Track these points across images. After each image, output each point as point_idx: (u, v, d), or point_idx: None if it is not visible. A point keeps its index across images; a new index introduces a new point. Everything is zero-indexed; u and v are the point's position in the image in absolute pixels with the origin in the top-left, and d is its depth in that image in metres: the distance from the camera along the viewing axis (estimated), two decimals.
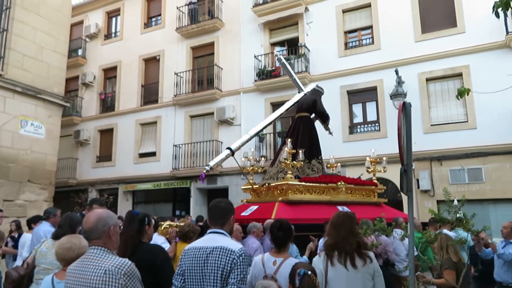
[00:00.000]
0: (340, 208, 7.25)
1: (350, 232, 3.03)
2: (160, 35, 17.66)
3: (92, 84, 18.82)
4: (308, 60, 14.01)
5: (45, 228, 5.46)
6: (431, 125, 11.95)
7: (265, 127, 8.95)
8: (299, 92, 9.33)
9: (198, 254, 2.63)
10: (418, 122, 12.00)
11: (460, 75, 11.79)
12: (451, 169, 11.39)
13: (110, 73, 18.96)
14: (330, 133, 9.88)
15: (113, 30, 19.60)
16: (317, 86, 9.38)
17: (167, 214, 14.45)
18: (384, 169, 8.91)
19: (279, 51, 14.91)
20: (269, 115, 14.32)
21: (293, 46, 14.60)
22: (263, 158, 9.66)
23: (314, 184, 7.48)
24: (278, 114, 8.91)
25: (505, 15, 11.03)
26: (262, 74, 14.57)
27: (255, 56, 14.79)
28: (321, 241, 5.22)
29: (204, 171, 7.44)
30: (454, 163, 11.38)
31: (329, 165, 9.08)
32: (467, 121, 11.51)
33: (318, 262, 2.97)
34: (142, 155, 16.95)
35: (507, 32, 11.08)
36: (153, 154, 16.63)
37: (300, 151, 7.52)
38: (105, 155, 17.88)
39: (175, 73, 16.35)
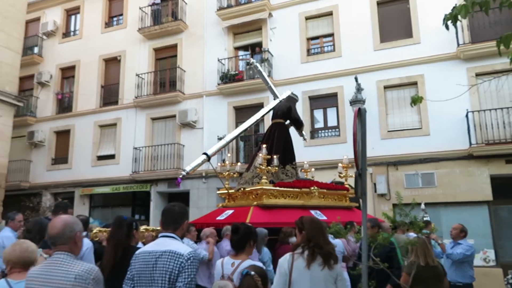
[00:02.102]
0: (313, 212, 7.43)
1: (322, 235, 3.09)
2: (122, 35, 17.28)
3: (49, 83, 18.11)
4: (271, 65, 14.15)
5: (5, 234, 5.13)
6: (388, 131, 12.38)
7: (242, 132, 9.09)
8: (274, 99, 9.56)
9: (148, 258, 2.61)
10: (376, 128, 12.42)
11: (415, 83, 12.31)
12: (406, 173, 11.84)
13: (68, 73, 18.33)
14: (304, 139, 10.13)
15: (72, 29, 18.98)
16: (292, 93, 9.59)
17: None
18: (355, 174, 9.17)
19: (243, 55, 15.01)
20: (232, 119, 14.53)
21: (257, 51, 14.70)
22: (238, 163, 9.74)
23: (288, 189, 7.66)
24: (255, 120, 9.09)
25: (456, 29, 11.67)
26: (226, 78, 14.57)
27: (218, 60, 14.77)
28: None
29: (180, 176, 7.56)
30: (409, 168, 11.84)
31: (303, 170, 9.31)
32: (421, 128, 12.02)
33: (283, 262, 2.99)
34: (101, 158, 16.46)
35: (458, 44, 11.69)
36: (112, 156, 16.19)
37: (275, 157, 7.66)
38: (61, 158, 17.22)
39: (136, 75, 16.03)
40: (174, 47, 16.26)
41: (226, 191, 8.24)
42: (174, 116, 15.28)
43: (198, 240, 6.34)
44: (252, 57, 14.37)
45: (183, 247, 2.63)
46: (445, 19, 4.35)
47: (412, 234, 7.23)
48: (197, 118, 14.89)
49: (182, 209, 2.88)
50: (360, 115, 3.52)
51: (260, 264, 3.18)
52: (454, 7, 4.29)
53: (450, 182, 11.33)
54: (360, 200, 3.47)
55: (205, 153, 7.75)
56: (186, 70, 15.61)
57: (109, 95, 17.04)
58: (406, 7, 12.93)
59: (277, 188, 7.52)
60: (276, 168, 7.76)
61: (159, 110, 15.69)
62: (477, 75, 11.49)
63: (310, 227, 3.05)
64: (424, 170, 11.66)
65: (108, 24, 18.14)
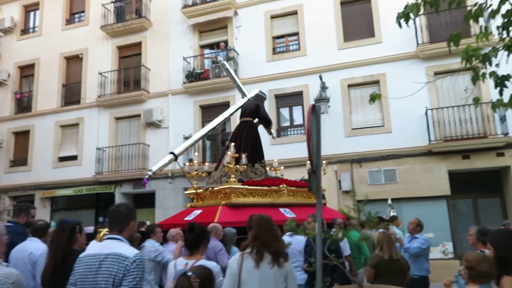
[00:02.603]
0: (282, 210, 7.49)
1: (277, 232, 3.07)
2: (84, 33, 16.77)
3: (6, 82, 17.35)
4: (237, 64, 14.10)
5: None
6: (352, 129, 12.60)
7: (209, 131, 9.02)
8: (242, 97, 9.54)
9: (91, 261, 2.50)
10: (340, 126, 12.62)
11: (377, 82, 12.58)
12: (370, 170, 12.09)
13: (27, 71, 17.61)
14: (273, 137, 10.16)
15: (31, 25, 18.27)
16: (260, 91, 9.62)
17: (89, 221, 13.75)
18: (324, 172, 9.28)
19: (208, 54, 14.89)
20: (198, 118, 14.39)
21: (221, 47, 14.59)
22: (207, 163, 9.66)
23: (257, 187, 7.68)
24: (223, 119, 9.07)
25: (415, 29, 12.04)
26: (191, 77, 14.40)
27: (184, 58, 14.59)
28: None
29: (147, 176, 7.53)
30: (372, 165, 12.10)
31: (272, 169, 9.33)
32: (383, 126, 12.30)
33: (233, 262, 2.96)
34: (62, 159, 15.92)
35: (418, 44, 12.03)
36: (74, 158, 15.69)
37: (243, 155, 7.65)
38: (20, 159, 16.53)
39: (99, 73, 15.60)
40: (138, 45, 15.93)
41: (194, 191, 8.17)
42: (138, 115, 14.97)
43: (164, 241, 6.23)
44: (216, 53, 14.30)
45: (128, 249, 2.53)
46: (398, 17, 4.45)
47: (380, 230, 7.44)
48: (162, 118, 14.65)
49: (129, 209, 2.78)
50: (315, 112, 3.54)
51: (212, 265, 3.15)
52: (406, 6, 4.40)
53: (411, 178, 11.65)
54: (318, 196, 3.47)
55: (172, 153, 7.67)
56: (151, 69, 15.33)
57: (71, 94, 16.49)
58: (368, 7, 13.20)
59: (246, 186, 7.53)
60: (245, 166, 7.77)
61: (123, 110, 15.34)
62: (435, 73, 11.86)
63: (257, 225, 3.02)
64: (387, 166, 11.95)
65: (69, 21, 17.56)
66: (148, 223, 8.62)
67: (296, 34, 14.00)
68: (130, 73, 15.88)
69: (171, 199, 13.97)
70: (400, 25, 4.45)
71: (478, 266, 2.81)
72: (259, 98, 9.48)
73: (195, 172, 8.53)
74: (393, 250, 4.75)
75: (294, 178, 9.37)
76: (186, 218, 7.39)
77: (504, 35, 4.87)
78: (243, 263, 2.87)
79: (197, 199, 8.25)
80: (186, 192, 8.75)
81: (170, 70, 14.98)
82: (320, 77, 12.51)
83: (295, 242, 4.74)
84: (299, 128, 13.46)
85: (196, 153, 11.75)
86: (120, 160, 14.77)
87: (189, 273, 2.29)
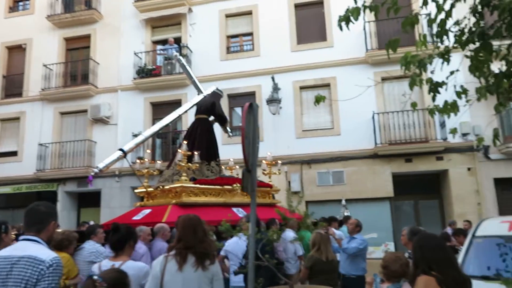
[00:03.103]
0: (235, 210, 7.41)
1: (204, 234, 2.99)
2: (28, 22, 15.86)
3: None
4: (190, 61, 13.87)
5: None
6: (303, 130, 12.77)
7: (161, 128, 8.79)
8: (198, 94, 9.39)
9: (2, 264, 2.26)
10: (291, 127, 12.76)
11: (328, 85, 12.84)
12: (319, 171, 12.31)
13: None
14: (229, 135, 10.05)
15: None
16: (217, 89, 9.52)
17: None
18: (279, 172, 9.45)
19: (160, 50, 14.57)
20: (149, 115, 14.03)
21: (169, 42, 14.29)
22: (159, 161, 9.42)
23: (209, 187, 7.56)
24: (176, 115, 8.89)
25: (365, 35, 12.42)
26: (142, 72, 14.01)
27: (135, 53, 14.17)
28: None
29: (92, 174, 7.25)
30: (321, 166, 12.32)
31: (228, 168, 9.24)
32: (333, 128, 12.57)
33: (156, 264, 2.85)
34: (1, 155, 14.95)
35: (367, 50, 12.41)
36: (13, 153, 14.78)
37: (196, 153, 7.52)
38: None
39: (44, 65, 14.81)
40: (87, 37, 15.29)
41: (144, 190, 7.96)
42: (85, 111, 14.35)
43: (105, 242, 5.99)
44: (165, 49, 14.03)
45: (45, 252, 2.33)
46: (339, 20, 4.51)
47: (333, 229, 7.54)
48: (110, 114, 14.13)
49: (50, 208, 2.59)
50: (252, 111, 3.50)
51: (139, 266, 3.03)
52: (347, 9, 4.47)
53: (358, 180, 11.99)
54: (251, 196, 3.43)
55: (121, 149, 7.41)
56: (100, 63, 14.76)
57: (12, 86, 15.55)
58: (321, 12, 13.44)
59: (198, 185, 7.41)
60: (197, 165, 7.63)
61: (69, 104, 14.65)
62: (383, 79, 12.28)
63: (181, 226, 2.94)
64: (335, 168, 12.21)
65: (13, 8, 16.57)
66: (91, 223, 8.28)
67: (251, 34, 14.01)
68: (77, 66, 15.23)
69: (117, 198, 13.50)
70: (341, 28, 4.52)
71: (390, 266, 2.89)
72: (216, 95, 9.39)
73: (146, 170, 8.30)
74: (330, 251, 4.85)
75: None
76: (134, 218, 7.21)
77: (439, 44, 5.10)
78: (166, 266, 2.76)
79: (147, 198, 8.06)
80: (136, 190, 8.50)
81: (120, 65, 14.49)
82: (273, 78, 12.59)
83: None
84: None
85: (148, 151, 11.46)
86: (64, 157, 14.08)
87: (95, 277, 2.15)
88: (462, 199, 11.31)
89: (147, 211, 7.46)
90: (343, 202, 10.83)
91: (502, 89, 5.41)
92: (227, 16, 14.20)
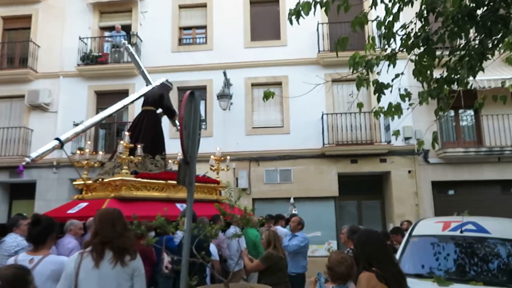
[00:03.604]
0: (178, 205, 7.22)
1: (124, 228, 2.78)
2: None
3: None
4: (140, 51, 13.34)
5: None
6: (253, 127, 12.70)
7: (104, 118, 8.28)
8: (146, 85, 9.03)
9: None
10: (242, 124, 12.65)
11: (280, 83, 12.85)
12: (267, 169, 12.30)
13: None
14: (178, 129, 9.70)
15: None
16: (166, 80, 9.18)
17: None
18: (227, 168, 9.34)
19: (107, 36, 13.89)
20: (92, 104, 13.33)
21: (116, 29, 13.67)
22: (100, 152, 8.92)
23: (152, 181, 7.29)
24: (121, 106, 8.46)
25: (318, 36, 12.56)
26: (87, 59, 13.28)
27: (80, 38, 13.39)
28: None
29: (23, 163, 6.65)
30: (269, 164, 12.31)
31: (176, 162, 9.02)
32: (282, 126, 12.61)
33: (70, 262, 2.61)
34: None
35: (319, 51, 12.56)
36: None
37: (139, 146, 7.22)
38: None
39: None
40: (27, 18, 14.24)
41: (83, 182, 7.52)
42: (22, 96, 13.35)
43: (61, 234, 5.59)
44: (112, 36, 13.41)
45: None
46: (290, 14, 4.45)
47: (279, 227, 7.51)
48: (50, 101, 13.26)
49: None
50: (194, 100, 3.31)
51: (58, 261, 2.76)
52: (297, 3, 4.41)
53: (305, 179, 12.11)
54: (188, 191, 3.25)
55: (57, 139, 6.90)
56: (41, 46, 13.80)
57: None
58: (276, 10, 13.43)
59: (139, 179, 7.13)
60: (139, 158, 7.33)
61: (4, 88, 13.56)
62: (333, 81, 12.46)
63: (98, 220, 2.74)
64: (283, 166, 12.26)
65: None
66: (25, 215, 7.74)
67: (204, 27, 13.72)
68: (15, 48, 14.14)
69: (54, 191, 12.70)
70: (291, 22, 4.45)
71: (335, 267, 2.85)
72: (165, 87, 9.09)
73: (86, 162, 7.85)
74: (282, 249, 4.85)
75: (197, 173, 9.15)
76: (70, 211, 6.86)
77: (386, 46, 5.19)
78: (81, 263, 2.53)
79: (86, 191, 7.65)
80: (75, 183, 8.04)
81: (64, 50, 13.64)
82: (224, 73, 12.41)
83: None
84: (200, 123, 13.16)
85: (89, 142, 10.90)
86: None
87: None
88: (402, 200, 11.77)
89: (84, 204, 7.11)
90: (292, 200, 10.88)
91: (443, 94, 5.62)
92: (181, 7, 13.81)
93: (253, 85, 12.99)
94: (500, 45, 6.03)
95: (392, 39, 4.95)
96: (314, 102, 12.27)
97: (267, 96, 6.03)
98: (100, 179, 7.50)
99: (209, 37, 13.49)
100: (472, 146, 11.93)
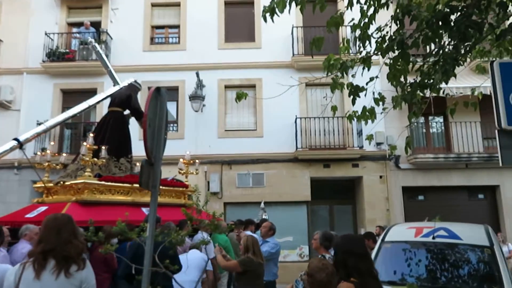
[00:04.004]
0: (144, 210, 6.96)
1: (73, 235, 2.52)
2: None
3: None
4: (110, 49, 12.91)
5: None
6: (226, 130, 12.48)
7: (67, 119, 7.89)
8: (114, 85, 8.73)
9: None
10: (214, 126, 12.42)
11: (254, 86, 12.70)
12: (239, 173, 12.10)
13: None
14: None
15: None
16: (135, 81, 8.88)
17: None
18: (196, 171, 9.14)
19: (75, 33, 13.39)
20: (58, 103, 12.78)
21: (86, 26, 13.20)
22: (63, 154, 8.50)
23: (116, 184, 7.00)
24: (86, 106, 8.08)
25: (292, 40, 12.52)
26: (53, 56, 12.72)
27: (46, 34, 12.82)
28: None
29: None
30: (241, 168, 12.12)
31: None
32: (256, 130, 12.45)
33: (10, 274, 2.34)
34: None
35: (293, 54, 12.50)
36: None
37: (103, 148, 6.91)
38: None
39: None
40: None
41: (43, 185, 7.11)
42: None
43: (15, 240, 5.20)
44: (81, 33, 12.93)
45: None
46: (264, 11, 4.30)
47: (249, 232, 7.31)
48: (13, 98, 12.61)
49: None
50: (160, 96, 3.09)
51: (2, 268, 2.48)
52: (272, 1, 4.26)
53: (277, 183, 11.98)
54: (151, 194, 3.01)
55: (16, 139, 6.52)
56: (4, 41, 13.13)
57: None
58: (251, 12, 13.30)
59: (103, 182, 6.82)
60: (104, 160, 7.01)
61: None
62: (307, 85, 12.41)
63: (43, 226, 2.51)
64: (255, 170, 12.09)
65: None
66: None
67: (177, 27, 13.43)
68: None
69: (15, 193, 12.06)
70: (265, 19, 4.30)
71: (316, 275, 2.70)
72: (133, 88, 8.79)
73: (47, 164, 7.45)
74: (261, 255, 4.67)
75: (165, 177, 8.90)
76: (28, 216, 6.48)
77: (362, 49, 5.11)
78: (22, 274, 2.27)
79: (47, 194, 7.23)
80: (35, 185, 7.65)
81: (29, 46, 13.03)
82: (197, 74, 12.16)
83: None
84: (171, 125, 12.85)
85: (52, 142, 10.44)
86: None
87: None
88: (373, 205, 11.82)
89: (43, 208, 6.72)
90: (262, 205, 10.72)
91: (416, 99, 5.60)
92: (153, 5, 13.47)
93: (226, 87, 12.78)
94: (471, 53, 6.10)
95: (367, 42, 4.88)
96: (287, 106, 12.21)
97: (239, 97, 5.87)
98: (61, 182, 7.14)
99: (182, 37, 13.21)
100: (441, 152, 12.14)
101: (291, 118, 12.13)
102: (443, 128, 12.74)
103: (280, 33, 12.78)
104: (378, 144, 12.11)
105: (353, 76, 5.07)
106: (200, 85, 12.26)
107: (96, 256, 5.15)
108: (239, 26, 13.29)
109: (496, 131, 3.24)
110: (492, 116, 11.60)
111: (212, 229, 3.34)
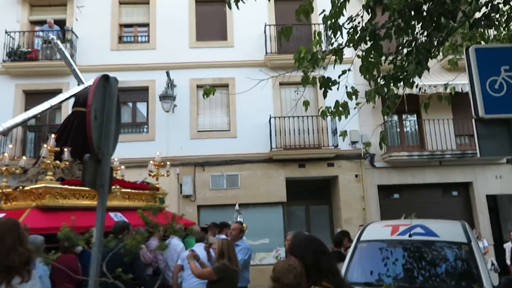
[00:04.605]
0: (112, 214, 6.63)
1: (18, 242, 2.18)
2: None
3: None
4: (75, 48, 12.37)
5: None
6: (198, 131, 12.13)
7: (26, 120, 7.38)
8: (78, 85, 8.27)
9: None
10: (186, 127, 12.06)
11: (227, 85, 12.40)
12: (212, 175, 11.76)
13: None
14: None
15: None
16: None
17: None
18: (168, 173, 8.91)
19: (38, 31, 12.78)
20: (20, 104, 12.14)
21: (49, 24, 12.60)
22: (24, 157, 7.97)
23: (81, 188, 6.52)
24: (48, 106, 7.57)
25: (266, 38, 12.31)
26: (15, 55, 12.08)
27: (7, 32, 12.16)
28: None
29: None
30: (215, 169, 11.78)
31: (115, 168, 8.39)
32: (229, 130, 12.15)
33: None
34: None
35: (266, 53, 12.28)
36: None
37: (66, 150, 6.49)
38: None
39: None
40: None
41: (1, 191, 6.60)
42: None
43: None
44: (43, 31, 12.35)
45: None
46: None
47: (223, 236, 6.99)
48: None
49: None
50: (109, 85, 2.76)
51: None
52: None
53: (252, 184, 11.71)
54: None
55: None
56: None
57: None
58: (223, 10, 12.96)
59: (66, 186, 6.39)
60: (66, 163, 6.59)
61: None
62: (281, 84, 12.24)
63: (7, 233, 2.16)
64: (229, 171, 11.78)
65: None
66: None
67: (147, 25, 13.00)
68: None
69: None
70: (229, 7, 4.04)
71: (283, 278, 2.41)
72: None
73: (5, 168, 6.96)
74: (236, 260, 4.37)
75: (134, 180, 8.53)
76: None
77: (333, 40, 4.91)
78: None
79: (5, 200, 6.72)
80: None
81: None
82: (167, 73, 11.78)
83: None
84: (142, 126, 12.41)
85: (11, 145, 9.86)
86: None
87: None
88: (349, 204, 11.70)
89: (0, 216, 6.22)
90: (237, 207, 10.40)
91: (390, 94, 5.43)
92: (121, 3, 13.01)
93: (198, 86, 12.43)
94: (444, 45, 6.00)
95: (338, 32, 4.68)
96: (261, 105, 11.99)
97: (207, 93, 5.58)
98: (20, 187, 6.65)
99: (152, 35, 12.79)
100: (415, 150, 12.15)
101: (265, 117, 11.89)
102: (416, 126, 12.76)
103: (253, 31, 12.55)
104: (353, 143, 12.01)
105: (324, 68, 4.86)
106: (171, 85, 11.88)
107: (57, 266, 4.76)
108: (210, 25, 12.98)
109: (473, 121, 3.06)
110: (464, 113, 11.72)
111: (170, 233, 3.00)
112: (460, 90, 10.76)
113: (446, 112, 12.21)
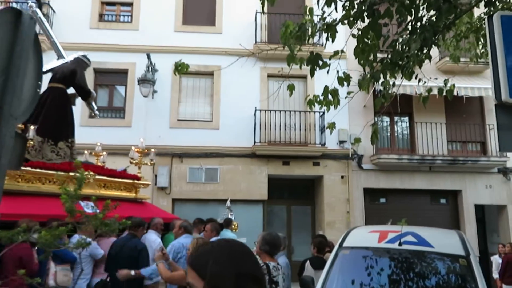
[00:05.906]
0: (82, 204, 5.79)
1: None
2: None
3: None
4: (52, 24, 11.51)
5: None
6: (178, 120, 11.41)
7: None
8: (58, 59, 7.66)
9: None
10: (166, 115, 11.36)
11: (212, 74, 11.70)
12: (191, 167, 11.06)
13: None
14: (95, 113, 8.30)
15: None
16: (83, 56, 7.81)
17: None
18: (151, 162, 8.46)
19: (13, 3, 11.90)
20: None
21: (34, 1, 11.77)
22: None
23: (47, 172, 5.99)
24: None
25: (256, 27, 11.65)
26: None
27: None
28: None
29: None
30: (194, 162, 11.09)
31: (94, 154, 8.10)
32: (211, 121, 11.46)
33: None
34: None
35: (255, 42, 11.61)
36: None
37: (32, 127, 5.90)
38: None
39: None
40: None
41: None
42: None
43: None
44: (16, 2, 11.52)
45: None
46: None
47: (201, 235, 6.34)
48: None
49: None
50: (21, 24, 2.06)
51: None
52: None
53: (232, 179, 11.04)
54: None
55: None
56: None
57: None
58: None
59: (29, 168, 5.75)
60: (31, 142, 5.89)
61: None
62: (269, 76, 11.61)
63: None
64: (209, 165, 11.09)
65: None
66: None
67: (130, 4, 12.23)
68: None
69: None
70: None
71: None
72: (80, 63, 7.71)
73: None
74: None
75: (115, 167, 7.87)
76: None
77: (325, 14, 4.28)
78: None
79: None
80: None
81: None
82: (148, 56, 11.03)
83: None
84: (119, 112, 11.64)
85: None
86: None
87: None
88: (333, 207, 11.10)
89: None
90: (228, 203, 9.70)
91: (386, 83, 4.84)
92: None
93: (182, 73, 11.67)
94: (447, 35, 5.41)
95: (332, 4, 4.04)
96: (247, 97, 11.36)
97: (179, 69, 4.95)
98: None
99: (135, 15, 12.02)
100: (405, 153, 11.60)
101: (251, 110, 11.23)
102: (408, 128, 12.22)
103: (243, 18, 11.89)
104: (341, 142, 11.42)
105: (314, 44, 4.22)
106: (152, 69, 11.14)
107: (8, 257, 4.06)
108: (199, 8, 12.26)
109: (494, 106, 2.44)
110: (458, 118, 11.00)
111: (95, 225, 2.32)
112: (456, 94, 10.23)
113: (439, 116, 11.71)
